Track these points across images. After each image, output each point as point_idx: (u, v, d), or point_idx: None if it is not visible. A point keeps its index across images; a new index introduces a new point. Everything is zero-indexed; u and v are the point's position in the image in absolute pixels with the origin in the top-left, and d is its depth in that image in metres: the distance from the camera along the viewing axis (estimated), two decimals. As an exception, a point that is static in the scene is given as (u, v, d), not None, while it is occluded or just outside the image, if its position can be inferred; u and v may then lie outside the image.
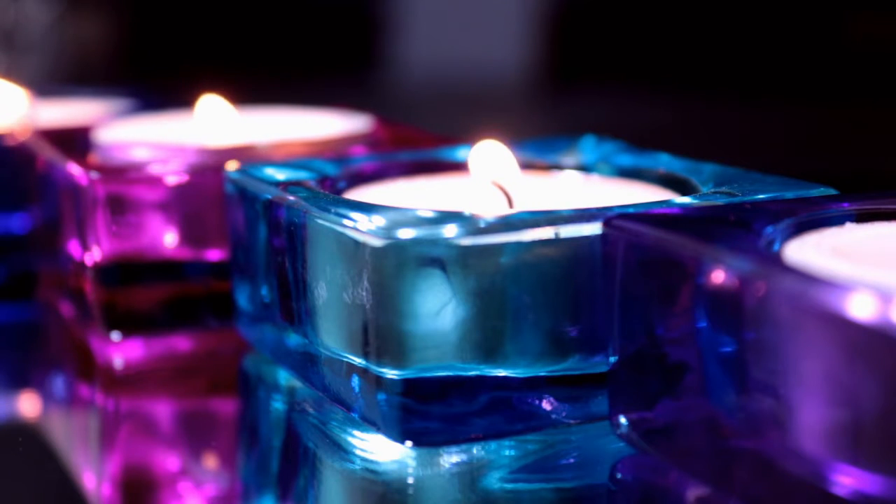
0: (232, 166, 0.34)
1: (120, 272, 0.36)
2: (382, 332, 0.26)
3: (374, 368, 0.27)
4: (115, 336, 0.36)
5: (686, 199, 0.29)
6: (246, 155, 0.38)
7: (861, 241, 0.25)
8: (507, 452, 0.27)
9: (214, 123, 0.43)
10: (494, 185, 0.32)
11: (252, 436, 0.31)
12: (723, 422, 0.23)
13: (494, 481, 0.26)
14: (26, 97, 0.54)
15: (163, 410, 0.33)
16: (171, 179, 0.36)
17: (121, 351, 0.36)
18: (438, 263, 0.26)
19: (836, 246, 0.24)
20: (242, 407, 0.34)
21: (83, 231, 0.36)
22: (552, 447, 0.28)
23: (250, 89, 0.46)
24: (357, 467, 0.27)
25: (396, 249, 0.26)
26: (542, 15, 1.38)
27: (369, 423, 0.28)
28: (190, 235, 0.36)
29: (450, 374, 0.26)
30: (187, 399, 0.34)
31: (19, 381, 0.38)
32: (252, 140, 0.40)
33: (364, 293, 0.27)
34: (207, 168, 0.37)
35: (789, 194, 0.29)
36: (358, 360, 0.27)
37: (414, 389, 0.26)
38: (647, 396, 0.25)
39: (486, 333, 0.26)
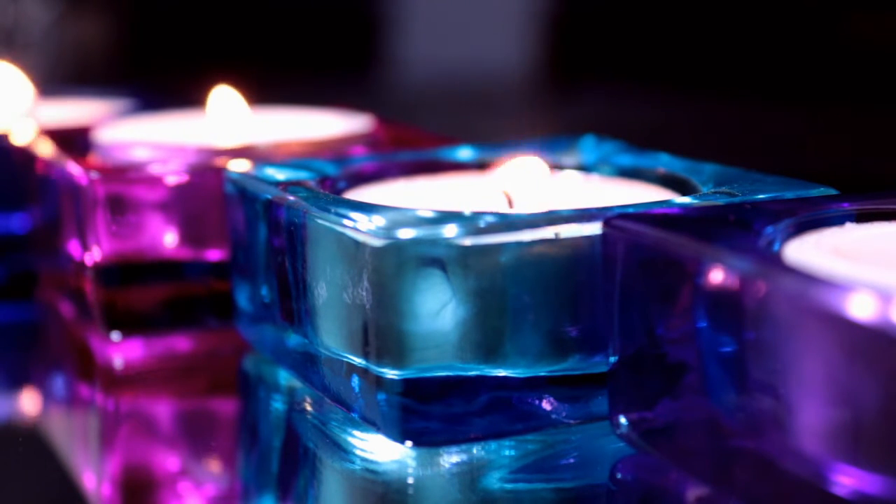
0: (240, 166, 0.34)
1: (120, 272, 0.36)
2: (382, 332, 0.26)
3: (374, 368, 0.27)
4: (115, 336, 0.36)
5: (686, 199, 0.29)
6: (246, 155, 0.38)
7: (861, 241, 0.25)
8: (507, 452, 0.27)
9: (215, 123, 0.43)
10: (502, 191, 0.32)
11: (252, 436, 0.31)
12: (723, 422, 0.23)
13: (494, 481, 0.26)
14: (33, 93, 0.54)
15: (163, 410, 0.33)
16: (171, 179, 0.36)
17: (121, 351, 0.36)
18: (438, 263, 0.26)
19: (836, 246, 0.24)
20: (242, 407, 0.34)
21: (83, 231, 0.36)
22: (552, 447, 0.28)
23: (250, 89, 0.45)
24: (357, 467, 0.27)
25: (396, 249, 0.26)
26: (542, 15, 1.38)
27: (369, 423, 0.28)
28: (190, 235, 0.36)
29: (450, 374, 0.26)
30: (187, 399, 0.34)
31: (19, 381, 0.38)
32: (252, 140, 0.40)
33: (364, 293, 0.27)
34: (207, 168, 0.37)
35: (789, 194, 0.29)
36: (358, 360, 0.27)
37: (414, 389, 0.26)
38: (647, 396, 0.25)
39: (486, 333, 0.26)
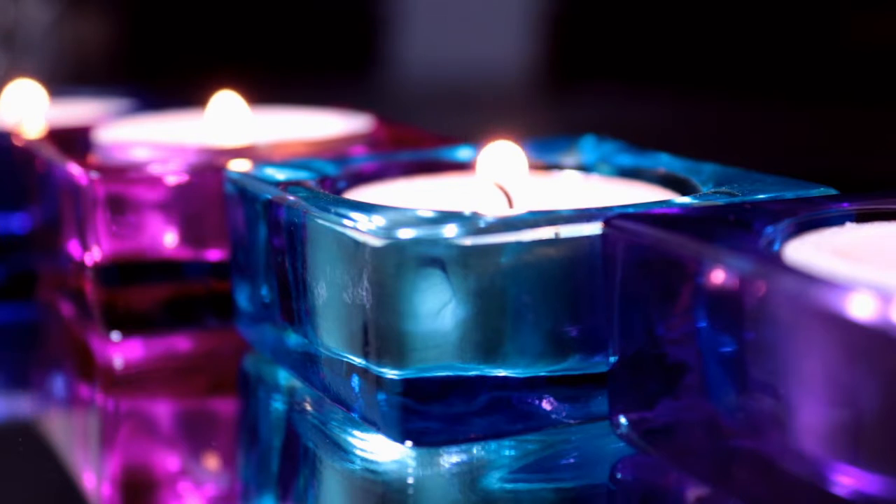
0: (240, 166, 0.34)
1: (120, 272, 0.36)
2: (382, 332, 0.26)
3: (374, 368, 0.27)
4: (115, 336, 0.36)
5: (686, 199, 0.29)
6: (246, 155, 0.38)
7: (861, 241, 0.25)
8: (507, 452, 0.27)
9: (215, 123, 0.43)
10: (496, 185, 0.32)
11: (252, 436, 0.31)
12: (723, 422, 0.23)
13: (494, 481, 0.26)
14: (43, 96, 0.54)
15: (163, 410, 0.33)
16: (171, 179, 0.36)
17: (121, 351, 0.36)
18: (438, 263, 0.26)
19: (836, 246, 0.24)
20: (242, 407, 0.34)
21: (83, 231, 0.36)
22: (552, 447, 0.28)
23: (250, 89, 0.46)
24: (357, 467, 0.27)
25: (396, 249, 0.26)
26: (542, 15, 1.38)
27: (369, 423, 0.28)
28: (190, 235, 0.36)
29: (450, 374, 0.26)
30: (187, 399, 0.34)
31: (19, 381, 0.38)
32: (252, 140, 0.40)
33: (364, 293, 0.27)
34: (207, 168, 0.37)
35: (789, 194, 0.29)
36: (358, 360, 0.27)
37: (414, 389, 0.26)
38: (647, 396, 0.25)
39: (486, 333, 0.26)
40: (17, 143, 0.44)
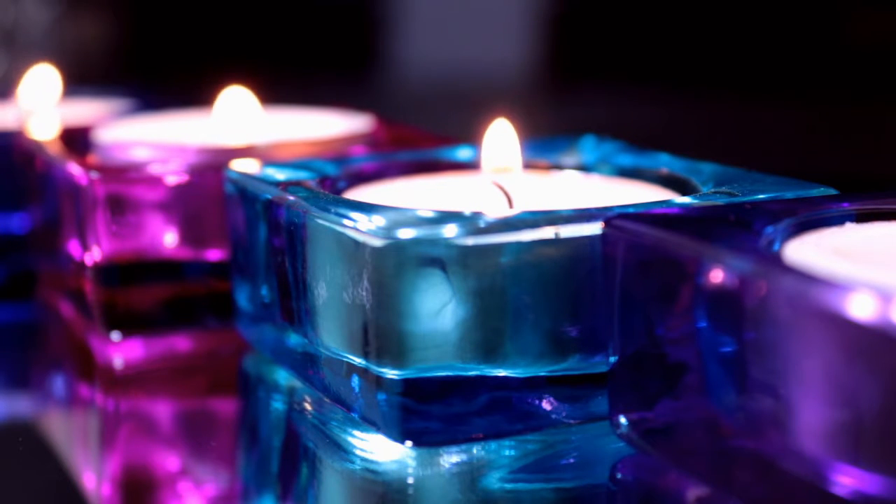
0: (240, 166, 0.34)
1: (120, 272, 0.36)
2: (382, 332, 0.26)
3: (374, 368, 0.27)
4: (115, 336, 0.36)
5: (686, 199, 0.29)
6: (246, 155, 0.38)
7: (861, 241, 0.25)
8: (507, 452, 0.27)
9: (215, 123, 0.43)
10: (495, 185, 0.32)
11: (252, 436, 0.31)
12: (723, 422, 0.23)
13: (494, 481, 0.26)
14: (58, 95, 0.54)
15: (163, 410, 0.33)
16: (171, 179, 0.36)
17: (121, 351, 0.36)
18: (438, 263, 0.26)
19: (836, 246, 0.24)
20: (242, 407, 0.34)
21: (83, 231, 0.36)
22: (552, 447, 0.28)
23: (250, 89, 0.45)
24: (357, 467, 0.27)
25: (396, 249, 0.26)
26: (542, 15, 1.38)
27: (369, 423, 0.28)
28: (190, 235, 0.36)
29: (450, 374, 0.26)
30: (187, 399, 0.34)
31: (19, 381, 0.38)
32: (252, 140, 0.40)
33: (364, 293, 0.27)
34: (207, 168, 0.37)
35: (789, 194, 0.29)
36: (358, 360, 0.27)
37: (414, 389, 0.26)
38: (647, 396, 0.25)
39: (486, 333, 0.26)
40: (17, 142, 0.44)
